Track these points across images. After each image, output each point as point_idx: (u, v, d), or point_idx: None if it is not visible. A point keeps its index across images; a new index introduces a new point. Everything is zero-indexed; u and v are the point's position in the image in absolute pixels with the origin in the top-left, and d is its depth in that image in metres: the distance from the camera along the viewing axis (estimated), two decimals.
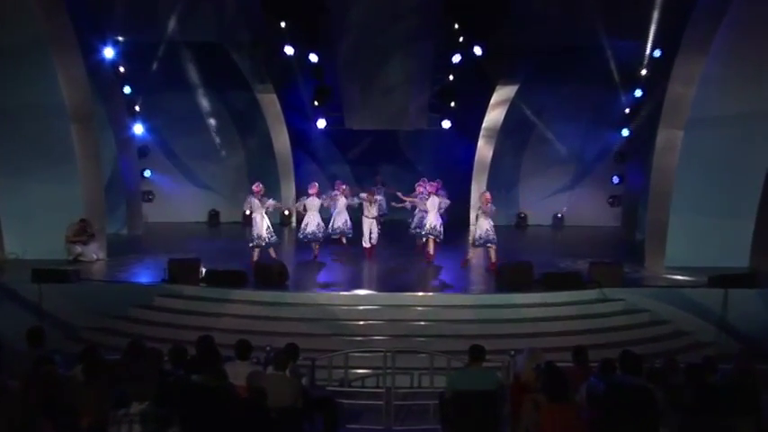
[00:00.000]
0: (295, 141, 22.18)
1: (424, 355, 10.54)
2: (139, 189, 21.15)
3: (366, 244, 16.07)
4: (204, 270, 13.62)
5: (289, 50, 19.06)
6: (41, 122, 15.11)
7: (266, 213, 15.16)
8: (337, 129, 21.75)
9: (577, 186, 22.56)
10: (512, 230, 22.25)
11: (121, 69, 19.53)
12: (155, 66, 20.00)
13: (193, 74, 20.77)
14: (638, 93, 20.28)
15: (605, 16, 18.07)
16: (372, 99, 20.69)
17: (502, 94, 20.91)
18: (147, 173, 22.14)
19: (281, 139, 21.90)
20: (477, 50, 18.86)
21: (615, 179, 22.18)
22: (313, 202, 15.93)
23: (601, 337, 11.85)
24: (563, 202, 22.69)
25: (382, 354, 10.02)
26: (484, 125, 21.39)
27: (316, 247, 16.05)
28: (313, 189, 16.06)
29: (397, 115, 21.15)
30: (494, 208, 15.09)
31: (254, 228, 15.09)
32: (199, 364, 7.29)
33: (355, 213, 16.75)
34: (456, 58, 19.19)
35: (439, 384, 9.65)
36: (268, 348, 9.40)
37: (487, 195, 15.22)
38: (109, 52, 18.45)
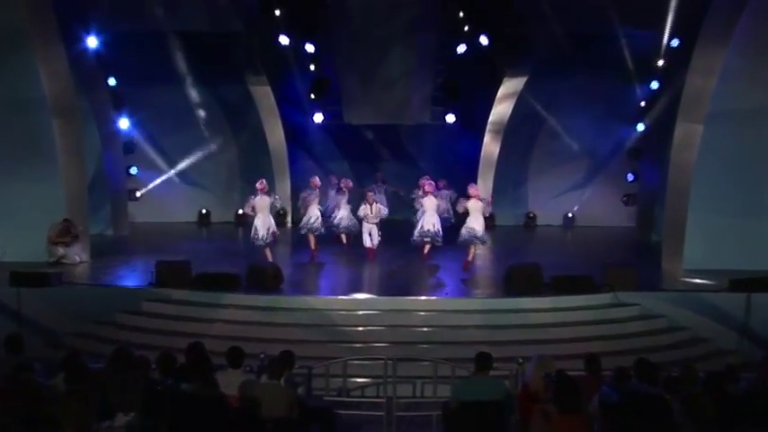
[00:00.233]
0: (290, 137, 22.17)
1: (427, 363, 10.55)
2: (125, 187, 21.15)
3: (367, 243, 16.12)
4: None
5: (284, 40, 19.06)
6: (20, 117, 15.12)
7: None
8: (335, 123, 21.75)
9: (589, 184, 22.54)
10: (520, 231, 22.27)
11: (106, 60, 19.49)
12: (141, 56, 19.99)
13: (182, 65, 20.74)
14: (655, 85, 20.27)
15: (619, 3, 18.05)
16: (372, 92, 20.69)
17: (509, 87, 20.90)
18: (134, 170, 22.13)
19: (276, 135, 21.89)
20: (483, 40, 18.85)
21: (630, 176, 22.17)
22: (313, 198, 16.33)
23: (614, 345, 11.85)
24: (574, 201, 22.68)
25: (383, 362, 10.02)
26: (490, 119, 21.38)
27: (314, 243, 16.07)
28: (313, 183, 16.42)
29: (399, 109, 21.15)
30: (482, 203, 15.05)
31: (260, 227, 15.08)
32: (188, 372, 7.29)
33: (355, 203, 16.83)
34: (461, 49, 19.19)
35: (443, 394, 9.65)
36: (262, 356, 9.40)
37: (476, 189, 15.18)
38: (93, 42, 18.42)
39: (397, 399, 9.65)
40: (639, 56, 19.78)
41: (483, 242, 15.12)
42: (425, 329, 12.38)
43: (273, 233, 15.24)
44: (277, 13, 18.30)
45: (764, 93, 14.63)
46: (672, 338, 12.56)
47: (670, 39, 18.90)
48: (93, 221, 17.68)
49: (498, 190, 21.94)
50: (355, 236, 16.86)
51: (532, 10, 18.48)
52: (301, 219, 16.64)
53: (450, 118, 20.70)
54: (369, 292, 13.69)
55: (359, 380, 10.78)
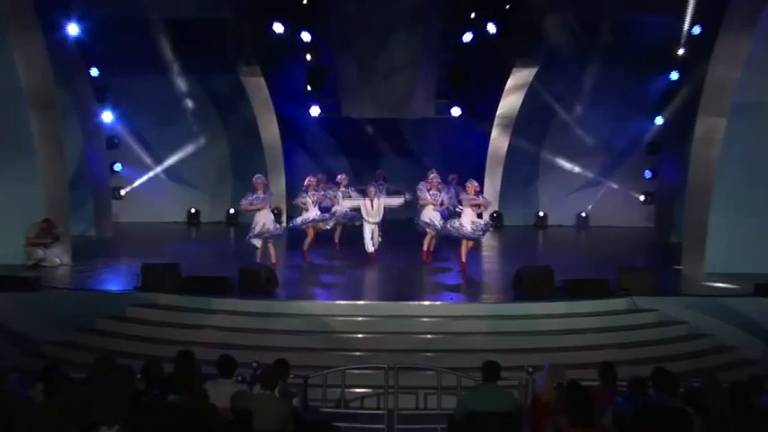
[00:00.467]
0: (285, 131, 22.19)
1: (430, 372, 10.54)
2: (109, 185, 21.16)
3: (369, 249, 15.98)
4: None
5: (278, 28, 19.05)
6: None
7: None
8: (333, 117, 21.76)
9: (604, 181, 22.56)
10: (530, 231, 22.28)
11: (87, 49, 19.49)
12: (126, 45, 19.99)
13: (170, 54, 20.73)
14: (674, 75, 20.28)
15: None
16: (373, 83, 20.69)
17: (519, 78, 20.91)
18: (118, 167, 22.15)
19: (270, 129, 21.90)
20: (491, 28, 18.85)
21: (648, 173, 22.17)
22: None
23: (631, 353, 11.83)
24: (588, 200, 22.68)
25: (383, 371, 10.01)
26: (498, 112, 21.40)
27: (309, 238, 16.13)
28: (307, 181, 16.38)
29: (401, 102, 21.15)
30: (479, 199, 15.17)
31: (259, 223, 15.16)
32: (176, 382, 7.28)
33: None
34: (467, 37, 19.18)
35: (448, 405, 9.62)
36: (255, 365, 9.39)
37: (475, 185, 15.21)
38: (73, 29, 18.41)
39: (399, 411, 9.65)
40: (658, 44, 19.75)
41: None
42: (429, 337, 12.37)
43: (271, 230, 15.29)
44: None
45: None
46: (692, 346, 12.53)
47: (691, 25, 18.88)
48: (74, 221, 17.68)
49: (507, 188, 21.96)
50: (352, 235, 16.87)
51: None
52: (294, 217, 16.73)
53: (456, 111, 20.70)
54: (369, 296, 13.66)
55: (358, 390, 10.76)
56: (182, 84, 21.65)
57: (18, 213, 15.45)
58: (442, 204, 15.73)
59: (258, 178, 15.43)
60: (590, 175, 22.52)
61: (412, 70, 20.53)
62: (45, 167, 15.76)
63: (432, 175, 15.92)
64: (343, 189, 17.07)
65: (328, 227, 16.72)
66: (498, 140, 21.64)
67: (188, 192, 22.79)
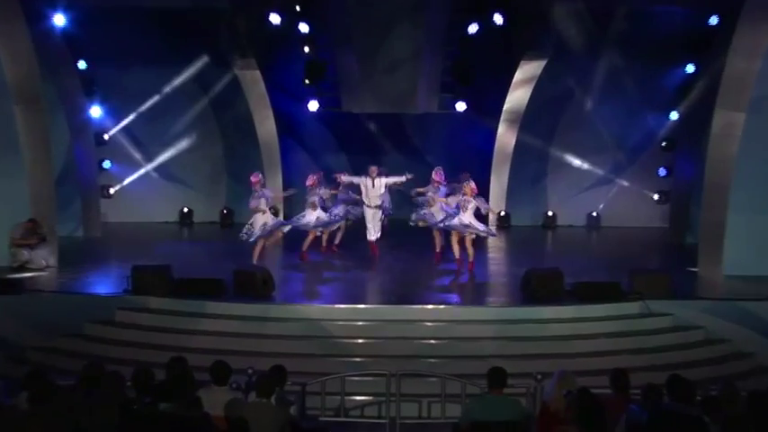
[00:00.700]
0: (282, 127, 22.16)
1: (434, 379, 10.54)
2: (97, 183, 21.16)
3: (371, 237, 15.98)
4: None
5: (275, 19, 19.04)
6: None
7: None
8: (332, 112, 21.72)
9: (617, 180, 22.53)
10: (538, 231, 22.26)
11: (75, 40, 19.48)
12: (115, 36, 20.00)
13: (161, 46, 20.75)
14: (691, 68, 20.25)
15: None
16: (374, 77, 20.66)
17: (527, 71, 20.87)
18: (107, 164, 22.15)
19: (266, 125, 21.88)
20: (498, 18, 18.83)
21: (662, 171, 22.14)
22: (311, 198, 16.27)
23: (644, 359, 11.87)
24: (599, 199, 22.66)
25: (385, 378, 10.01)
26: (505, 107, 21.36)
27: (310, 238, 16.19)
28: (310, 180, 16.39)
29: (404, 96, 21.12)
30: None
31: (259, 223, 15.25)
32: (168, 390, 7.27)
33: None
34: (473, 28, 19.17)
35: (452, 414, 9.64)
36: (250, 371, 9.41)
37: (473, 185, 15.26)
38: (60, 19, 18.42)
39: (401, 419, 9.65)
40: (673, 35, 19.76)
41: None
42: (433, 342, 12.38)
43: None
44: None
45: None
46: (710, 352, 12.55)
47: (708, 16, 18.86)
48: (61, 221, 17.68)
49: (514, 186, 21.94)
50: (352, 235, 16.87)
51: None
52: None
53: (461, 106, 20.67)
54: (369, 299, 13.67)
55: (358, 398, 10.79)
56: (174, 78, 21.66)
57: (2, 213, 15.48)
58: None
59: (255, 176, 15.45)
60: (601, 172, 22.48)
61: (415, 63, 20.50)
62: (30, 165, 15.76)
63: (437, 175, 15.99)
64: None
65: (332, 228, 16.70)
66: (505, 137, 21.61)
67: (180, 190, 22.77)
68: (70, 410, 7.08)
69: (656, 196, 22.37)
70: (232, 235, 17.17)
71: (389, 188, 17.39)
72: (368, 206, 15.99)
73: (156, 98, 21.62)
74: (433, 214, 15.85)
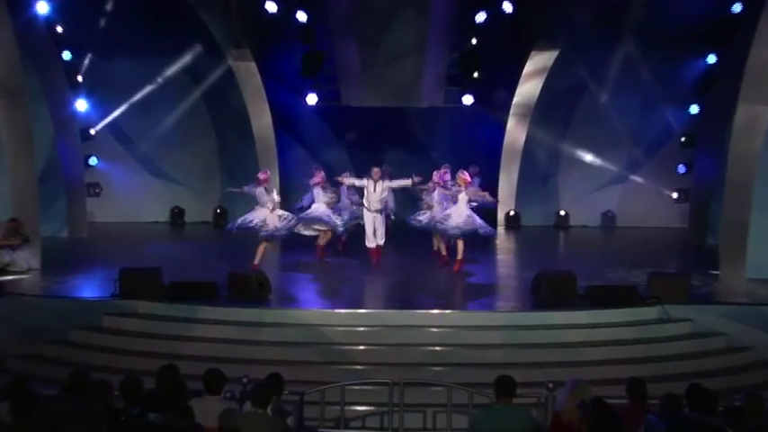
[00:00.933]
0: (279, 121, 22.17)
1: (439, 388, 10.53)
2: (83, 181, 21.15)
3: (371, 244, 15.94)
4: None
5: (271, 7, 19.04)
6: None
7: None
8: (332, 106, 21.73)
9: (633, 177, 22.51)
10: (550, 232, 22.25)
11: (59, 30, 19.50)
12: (102, 26, 20.00)
13: (151, 35, 20.75)
14: (712, 58, 20.23)
15: None
16: (376, 69, 20.68)
17: (538, 62, 20.88)
18: (93, 160, 22.16)
19: (262, 119, 21.90)
20: (507, 6, 18.83)
21: (681, 168, 22.13)
22: (317, 194, 16.31)
23: (663, 368, 11.87)
24: (614, 197, 22.65)
25: (388, 386, 10.01)
26: (515, 101, 21.38)
27: (324, 239, 16.31)
28: (318, 177, 16.38)
29: (407, 89, 21.14)
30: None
31: (268, 224, 15.23)
32: (158, 400, 7.27)
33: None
34: (480, 17, 19.16)
35: (458, 425, 9.65)
36: (245, 380, 9.41)
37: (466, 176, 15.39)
38: (43, 7, 18.39)
39: (405, 430, 9.63)
40: (694, 23, 19.72)
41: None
42: (438, 349, 12.38)
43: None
44: None
45: None
46: (732, 361, 12.54)
47: (731, 3, 18.84)
48: (45, 221, 17.69)
49: (524, 184, 21.93)
50: (353, 236, 16.88)
51: None
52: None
53: (468, 99, 20.69)
54: (371, 304, 13.66)
55: (359, 408, 10.78)
56: (164, 69, 21.65)
57: None
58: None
59: (264, 173, 15.51)
60: (617, 169, 22.46)
61: (419, 54, 20.51)
62: (12, 161, 15.78)
63: (437, 175, 16.03)
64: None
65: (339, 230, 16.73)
66: (515, 131, 21.62)
67: (171, 188, 22.77)
68: (54, 422, 7.09)
69: (674, 195, 22.36)
70: (226, 235, 17.16)
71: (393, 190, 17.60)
72: (367, 209, 15.84)
73: (145, 91, 21.61)
74: (433, 216, 15.81)
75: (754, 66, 15.32)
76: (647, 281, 13.68)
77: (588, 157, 22.43)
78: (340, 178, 16.38)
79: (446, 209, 15.60)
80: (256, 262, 15.07)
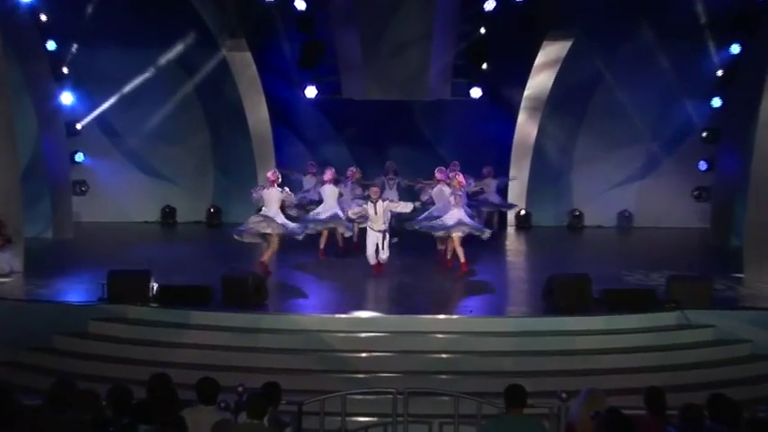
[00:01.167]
0: (276, 115, 22.21)
1: (446, 398, 10.53)
2: (69, 178, 21.19)
3: (371, 261, 15.87)
4: (156, 286, 13.63)
5: None
6: None
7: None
8: (332, 99, 21.75)
9: (651, 174, 22.53)
10: (563, 232, 22.25)
11: (43, 18, 19.52)
12: (89, 14, 20.01)
13: (141, 25, 20.78)
14: (735, 48, 20.22)
15: None
16: (379, 60, 20.70)
17: (550, 53, 20.91)
18: (79, 157, 22.20)
19: (258, 112, 21.93)
20: None
21: (703, 165, 22.15)
22: (331, 191, 16.66)
23: (683, 377, 11.86)
24: (632, 196, 22.66)
25: (391, 396, 10.02)
26: (526, 94, 21.41)
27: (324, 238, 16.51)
28: (329, 174, 16.70)
29: (412, 81, 21.16)
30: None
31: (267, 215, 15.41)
32: (149, 410, 7.29)
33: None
34: (490, 5, 19.17)
35: None
36: (240, 389, 9.40)
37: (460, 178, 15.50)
38: None
39: None
40: (716, 12, 19.71)
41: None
42: (444, 356, 12.38)
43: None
44: None
45: None
46: (756, 369, 12.49)
47: None
48: (28, 221, 17.71)
49: (536, 182, 21.94)
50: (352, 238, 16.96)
51: None
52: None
53: (476, 92, 20.71)
54: (374, 308, 13.67)
55: (361, 419, 10.78)
56: (155, 60, 21.65)
57: None
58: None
59: (273, 174, 15.65)
60: (634, 166, 22.49)
61: (425, 44, 20.51)
62: None
63: (441, 173, 16.11)
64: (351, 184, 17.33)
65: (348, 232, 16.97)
66: (526, 126, 21.63)
67: (162, 186, 22.81)
68: None
69: (695, 193, 22.36)
70: (220, 236, 17.21)
71: (398, 189, 17.78)
72: (371, 228, 15.78)
73: (134, 83, 21.62)
74: (426, 217, 15.96)
75: None
76: (667, 284, 13.66)
77: (603, 154, 22.42)
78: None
79: (444, 209, 15.68)
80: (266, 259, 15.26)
